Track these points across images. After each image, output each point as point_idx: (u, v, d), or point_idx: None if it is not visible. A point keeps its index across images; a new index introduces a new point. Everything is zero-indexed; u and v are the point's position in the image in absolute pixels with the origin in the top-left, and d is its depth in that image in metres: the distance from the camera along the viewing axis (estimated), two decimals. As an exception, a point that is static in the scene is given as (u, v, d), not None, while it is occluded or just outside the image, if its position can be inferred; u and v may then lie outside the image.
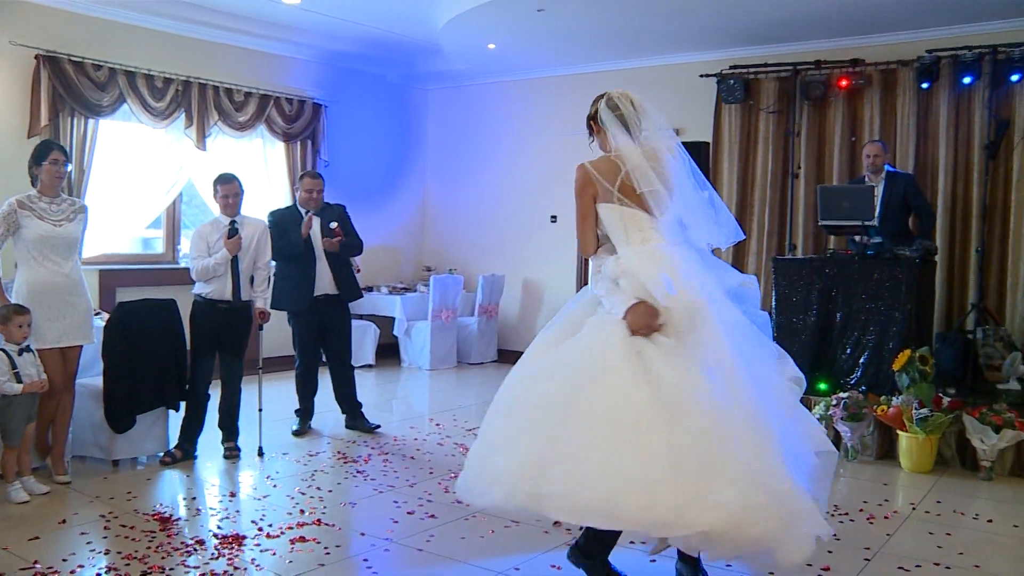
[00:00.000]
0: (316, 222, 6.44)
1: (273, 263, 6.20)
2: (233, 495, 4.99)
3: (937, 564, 4.14)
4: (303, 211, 6.48)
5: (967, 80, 7.26)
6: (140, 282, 7.89)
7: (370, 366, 9.50)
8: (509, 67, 9.78)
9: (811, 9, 7.25)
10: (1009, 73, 7.07)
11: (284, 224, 6.39)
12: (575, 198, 3.45)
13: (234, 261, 5.67)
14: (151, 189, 8.00)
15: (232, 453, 5.76)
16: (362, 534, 4.43)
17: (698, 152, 7.35)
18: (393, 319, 9.69)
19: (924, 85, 7.44)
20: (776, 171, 8.40)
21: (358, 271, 7.05)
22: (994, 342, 7.05)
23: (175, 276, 8.06)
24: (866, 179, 6.95)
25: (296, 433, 6.43)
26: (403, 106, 10.74)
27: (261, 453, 5.81)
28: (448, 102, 10.87)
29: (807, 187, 8.21)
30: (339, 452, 6.01)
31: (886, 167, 6.91)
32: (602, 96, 3.47)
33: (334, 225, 6.41)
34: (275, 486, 5.16)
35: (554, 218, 10.04)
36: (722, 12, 7.45)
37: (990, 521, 4.81)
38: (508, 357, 10.27)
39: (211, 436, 5.87)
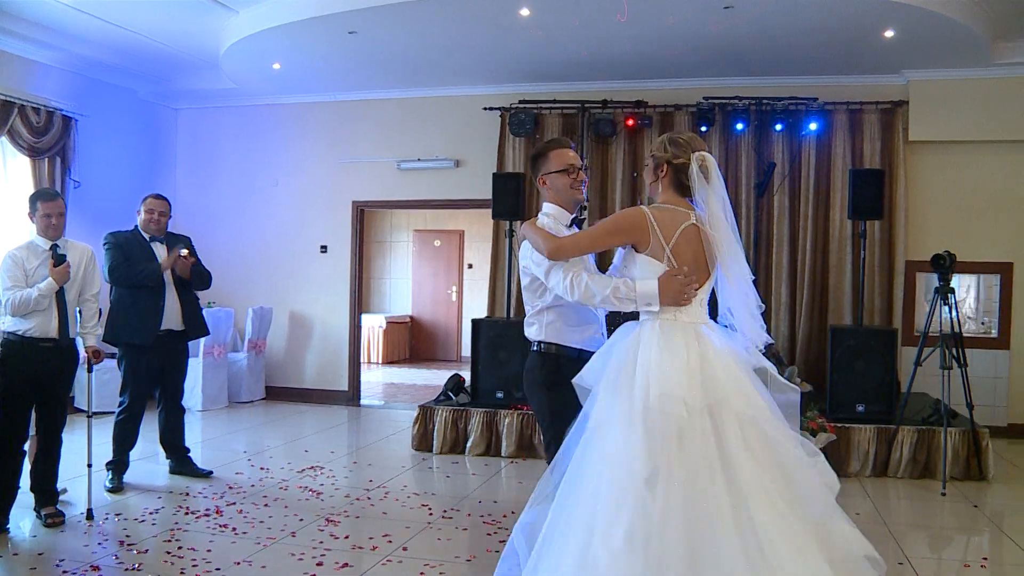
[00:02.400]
0: (162, 249, 5.77)
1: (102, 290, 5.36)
2: (97, 569, 4.19)
3: (832, 557, 4.57)
4: (145, 235, 5.75)
5: (739, 126, 8.15)
6: None
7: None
8: (282, 89, 9.28)
9: (599, 53, 7.73)
10: (773, 123, 8.05)
11: (129, 248, 5.65)
12: (603, 228, 3.12)
13: (60, 292, 4.82)
14: None
15: (55, 520, 4.82)
16: (286, 593, 3.96)
17: (516, 183, 7.54)
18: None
19: (703, 128, 8.23)
20: (561, 203, 8.79)
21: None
22: (768, 358, 7.90)
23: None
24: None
25: (112, 490, 5.56)
26: (152, 126, 9.74)
27: (91, 516, 4.95)
28: (202, 123, 10.00)
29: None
30: (181, 506, 5.29)
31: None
32: (682, 144, 3.15)
33: (184, 251, 5.73)
34: (139, 553, 4.43)
35: (324, 248, 9.66)
36: (517, 50, 7.70)
37: (838, 515, 5.39)
38: (277, 395, 9.72)
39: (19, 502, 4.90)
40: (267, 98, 9.58)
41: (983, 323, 8.55)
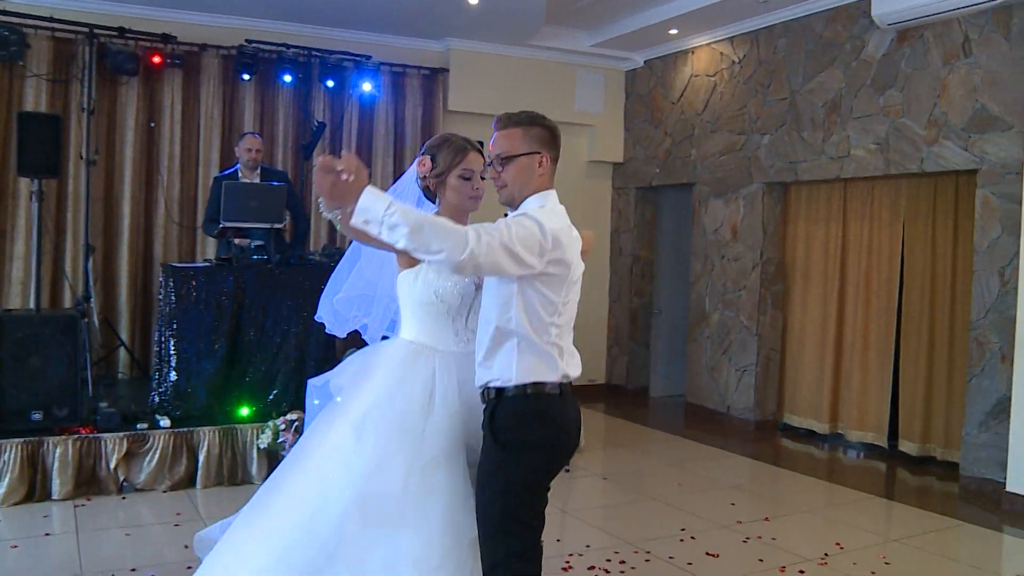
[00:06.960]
0: None
1: None
2: None
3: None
4: None
5: (288, 78, 7.27)
6: None
7: None
8: None
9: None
10: (324, 78, 7.37)
11: None
12: None
13: None
14: None
15: None
16: None
17: (53, 128, 5.72)
18: None
19: (245, 76, 7.15)
20: (56, 154, 6.86)
21: None
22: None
23: None
24: (239, 175, 6.37)
25: None
26: None
27: None
28: None
29: (99, 176, 7.00)
30: None
31: (261, 164, 6.47)
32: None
33: None
34: None
35: None
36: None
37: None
38: None
39: None
40: None
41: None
